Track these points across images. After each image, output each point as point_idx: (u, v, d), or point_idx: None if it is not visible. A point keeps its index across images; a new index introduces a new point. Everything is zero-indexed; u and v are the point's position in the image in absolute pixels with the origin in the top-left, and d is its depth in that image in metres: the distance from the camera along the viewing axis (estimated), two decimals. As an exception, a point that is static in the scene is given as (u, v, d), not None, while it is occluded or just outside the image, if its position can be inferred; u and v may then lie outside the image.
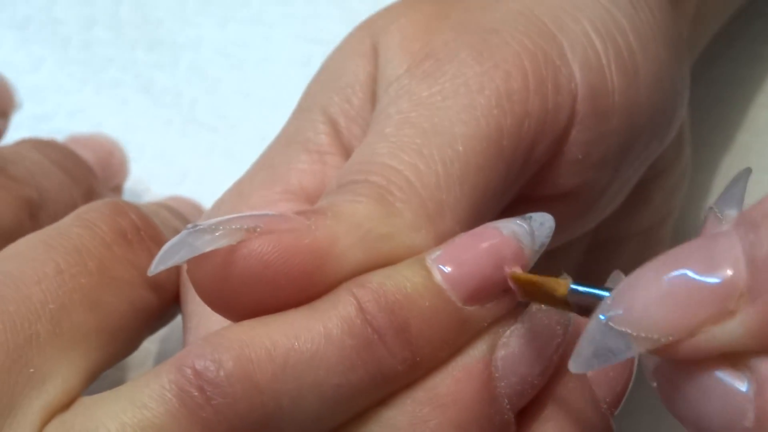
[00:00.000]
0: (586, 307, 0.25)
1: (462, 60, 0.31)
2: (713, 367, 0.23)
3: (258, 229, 0.27)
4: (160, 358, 0.41)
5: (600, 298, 0.25)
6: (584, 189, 0.33)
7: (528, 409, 0.29)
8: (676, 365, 0.24)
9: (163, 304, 0.33)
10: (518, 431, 0.28)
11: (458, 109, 0.30)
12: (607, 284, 0.27)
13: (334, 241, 0.27)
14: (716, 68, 0.48)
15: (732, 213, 0.25)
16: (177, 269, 0.33)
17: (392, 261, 0.28)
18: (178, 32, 0.53)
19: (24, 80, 0.50)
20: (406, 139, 0.30)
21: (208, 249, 0.27)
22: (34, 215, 0.35)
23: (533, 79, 0.31)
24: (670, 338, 0.23)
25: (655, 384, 0.24)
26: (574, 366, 0.24)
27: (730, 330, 0.23)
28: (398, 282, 0.27)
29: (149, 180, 0.49)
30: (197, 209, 0.44)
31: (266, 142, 0.35)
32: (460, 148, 0.30)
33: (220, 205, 0.34)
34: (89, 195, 0.38)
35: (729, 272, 0.23)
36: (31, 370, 0.28)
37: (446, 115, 0.30)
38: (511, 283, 0.27)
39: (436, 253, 0.28)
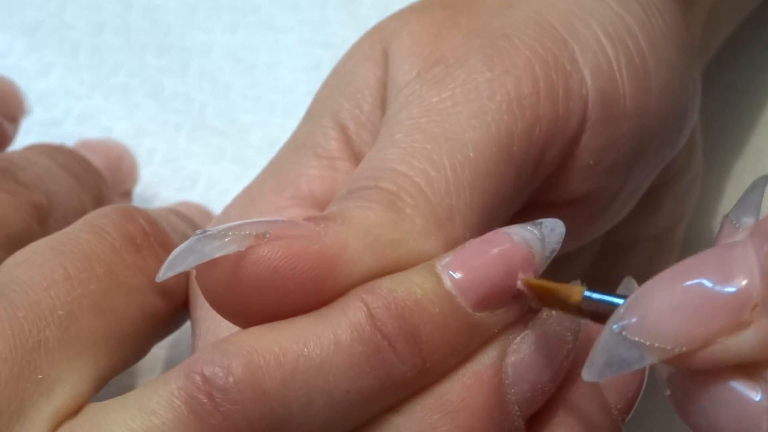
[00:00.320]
0: (600, 314, 0.25)
1: (472, 66, 0.31)
2: (727, 376, 0.23)
3: (267, 235, 0.27)
4: (169, 364, 0.41)
5: (614, 305, 0.24)
6: (595, 195, 0.33)
7: (539, 415, 0.29)
8: (690, 374, 0.23)
9: (172, 310, 0.33)
10: (529, 438, 0.28)
11: (469, 115, 0.30)
12: (619, 291, 0.27)
13: (344, 247, 0.27)
14: (728, 73, 0.48)
15: (749, 221, 0.25)
16: (186, 275, 0.33)
17: (402, 267, 0.28)
18: (187, 37, 0.53)
19: (33, 85, 0.50)
20: (416, 144, 0.30)
21: (217, 255, 0.27)
22: (43, 220, 0.35)
23: (544, 85, 0.31)
24: (684, 348, 0.23)
25: (668, 392, 0.24)
26: (587, 375, 0.24)
27: (744, 341, 0.22)
28: (408, 288, 0.27)
29: (159, 185, 0.49)
30: (207, 215, 0.44)
31: (276, 147, 0.35)
32: (471, 153, 0.30)
33: (229, 210, 0.34)
34: (99, 200, 0.38)
35: (744, 282, 0.22)
36: (40, 377, 0.28)
37: (457, 120, 0.30)
38: (524, 289, 0.27)
39: (446, 259, 0.28)
